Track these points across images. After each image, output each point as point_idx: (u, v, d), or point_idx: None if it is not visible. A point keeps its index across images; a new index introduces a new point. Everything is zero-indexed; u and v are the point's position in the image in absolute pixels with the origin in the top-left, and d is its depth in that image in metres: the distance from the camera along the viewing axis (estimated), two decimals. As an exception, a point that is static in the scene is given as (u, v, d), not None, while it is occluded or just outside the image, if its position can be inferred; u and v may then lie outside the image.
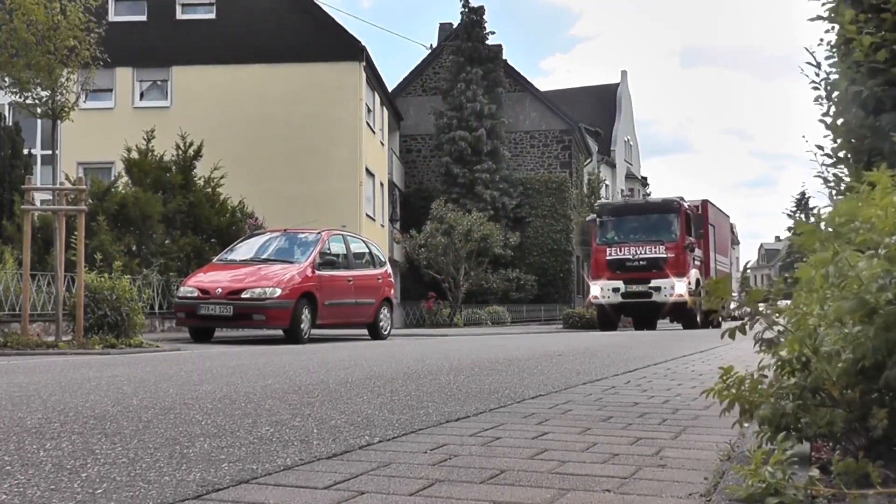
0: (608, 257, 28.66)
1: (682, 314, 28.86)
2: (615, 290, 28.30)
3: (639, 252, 28.26)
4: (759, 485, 2.19)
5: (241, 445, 3.29)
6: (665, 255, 27.95)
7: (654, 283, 27.86)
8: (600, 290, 28.62)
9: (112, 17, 32.72)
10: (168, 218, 22.48)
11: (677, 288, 27.62)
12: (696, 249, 29.86)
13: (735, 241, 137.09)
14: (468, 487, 2.55)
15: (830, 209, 2.75)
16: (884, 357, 2.35)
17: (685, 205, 29.61)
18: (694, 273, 29.02)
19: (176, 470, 2.80)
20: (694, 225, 29.41)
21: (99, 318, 13.54)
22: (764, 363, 2.91)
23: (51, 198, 17.29)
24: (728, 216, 39.97)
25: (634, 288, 28.05)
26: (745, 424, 2.98)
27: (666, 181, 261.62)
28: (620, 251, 28.49)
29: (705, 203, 33.49)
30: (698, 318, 28.54)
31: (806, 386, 2.66)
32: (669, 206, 29.07)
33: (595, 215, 30.33)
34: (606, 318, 29.21)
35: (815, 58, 6.07)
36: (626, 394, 5.31)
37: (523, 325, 39.32)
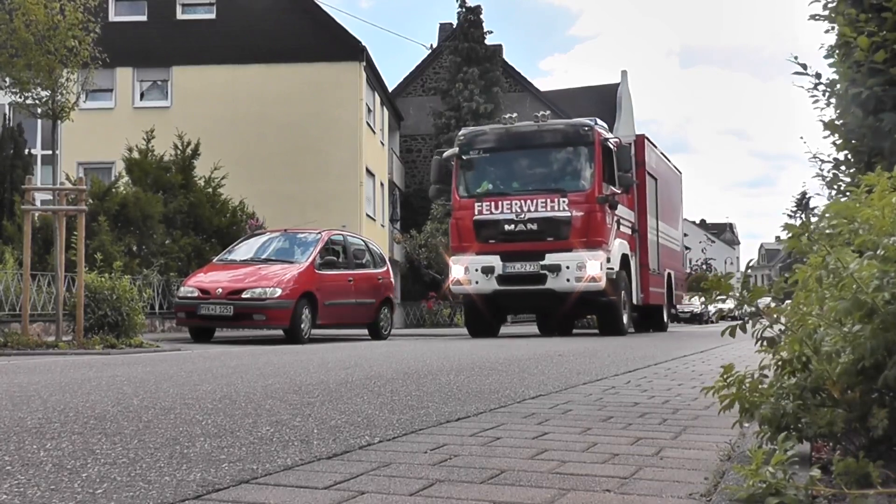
0: (477, 217, 18.45)
1: (599, 310, 19.04)
2: (488, 271, 18.10)
3: (526, 209, 18.11)
4: (760, 485, 2.19)
5: (241, 445, 3.29)
6: (568, 214, 17.86)
7: (550, 259, 17.74)
8: (464, 271, 18.38)
9: (112, 17, 32.79)
10: (168, 218, 22.52)
11: (589, 267, 17.59)
12: (621, 206, 19.52)
13: (735, 241, 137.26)
14: (468, 487, 2.55)
15: (821, 211, 2.76)
16: (883, 357, 2.35)
17: (603, 133, 18.94)
18: (618, 245, 18.92)
19: (176, 470, 2.80)
20: (619, 167, 18.64)
21: (99, 318, 13.56)
22: (764, 363, 2.91)
23: (51, 198, 17.32)
24: (680, 173, 28.53)
25: (518, 268, 18.03)
26: (746, 424, 2.98)
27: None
28: (497, 208, 18.31)
29: (641, 139, 22.30)
30: (625, 317, 19.00)
31: (806, 386, 2.67)
32: (576, 135, 18.54)
33: (456, 149, 19.36)
34: (477, 317, 19.39)
35: (799, 64, 6.06)
36: (627, 394, 5.31)
37: (524, 325, 39.31)
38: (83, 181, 16.27)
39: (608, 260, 18.01)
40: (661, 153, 25.45)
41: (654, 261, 22.63)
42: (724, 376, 2.88)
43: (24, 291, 13.41)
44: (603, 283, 17.64)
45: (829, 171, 6.47)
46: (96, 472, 2.77)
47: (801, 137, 6.53)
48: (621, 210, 19.48)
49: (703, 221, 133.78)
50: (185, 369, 7.73)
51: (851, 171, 6.23)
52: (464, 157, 19.13)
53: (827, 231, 2.60)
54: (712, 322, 47.90)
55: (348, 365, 8.11)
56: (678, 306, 60.14)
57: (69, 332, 13.34)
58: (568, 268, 17.67)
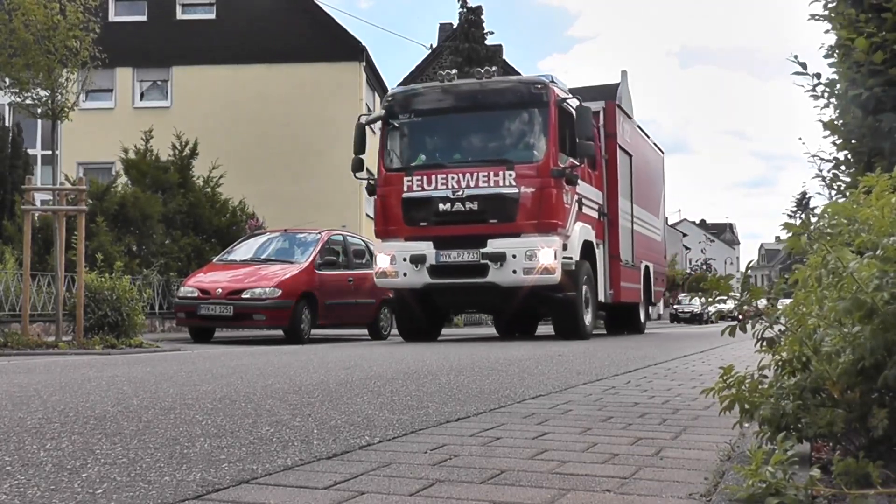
0: (406, 194, 15.43)
1: (554, 308, 15.86)
2: (418, 260, 15.12)
3: (465, 184, 15.08)
4: (760, 485, 2.19)
5: (241, 445, 3.29)
6: (515, 190, 14.93)
7: (493, 245, 14.76)
8: (390, 260, 15.45)
9: (112, 17, 32.81)
10: (168, 218, 22.54)
11: (541, 256, 14.64)
12: (584, 184, 16.47)
13: (735, 241, 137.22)
14: (468, 487, 2.55)
15: (820, 211, 2.77)
16: (883, 357, 2.35)
17: (559, 92, 15.85)
18: (580, 229, 15.93)
19: (176, 470, 2.80)
20: (578, 133, 15.36)
21: (99, 318, 13.56)
22: (764, 363, 2.92)
23: (51, 198, 17.34)
24: (662, 153, 25.59)
25: (455, 257, 15.05)
26: (746, 424, 2.98)
27: (667, 182, 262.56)
28: (429, 183, 15.28)
29: (612, 106, 19.05)
30: (588, 317, 15.93)
31: (806, 386, 2.67)
32: (527, 94, 15.60)
33: (382, 112, 16.53)
34: (408, 316, 16.44)
35: (799, 63, 6.05)
36: (627, 394, 5.31)
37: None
38: (83, 181, 16.28)
39: (565, 247, 15.10)
40: (639, 127, 22.32)
41: (627, 251, 19.51)
42: (724, 377, 2.89)
43: (25, 291, 13.42)
44: (558, 276, 14.67)
45: (829, 171, 6.47)
46: (96, 472, 2.77)
47: (800, 138, 6.53)
48: (584, 188, 16.46)
49: (703, 221, 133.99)
50: (185, 369, 7.73)
51: (851, 171, 6.23)
52: (392, 122, 16.22)
53: (826, 231, 2.60)
54: (712, 322, 47.83)
55: (348, 365, 8.11)
56: (677, 307, 60.30)
57: (69, 332, 13.35)
58: (514, 256, 14.69)
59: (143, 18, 34.99)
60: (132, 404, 4.73)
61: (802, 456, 2.72)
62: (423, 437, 3.53)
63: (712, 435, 3.59)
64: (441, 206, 15.14)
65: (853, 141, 6.10)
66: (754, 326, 2.87)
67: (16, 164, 22.44)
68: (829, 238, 2.57)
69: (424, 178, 15.32)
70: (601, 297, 17.30)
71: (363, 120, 16.62)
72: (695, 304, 54.14)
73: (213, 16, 34.94)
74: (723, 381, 2.89)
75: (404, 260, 15.22)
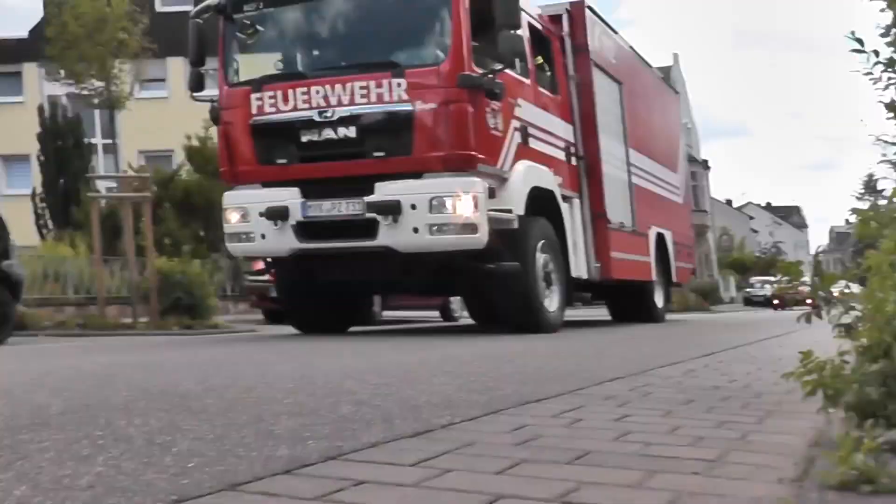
0: (256, 119, 10.89)
1: (495, 285, 10.73)
2: (277, 215, 10.66)
3: (335, 101, 10.39)
4: (851, 472, 2.15)
5: (324, 424, 3.32)
6: (408, 108, 10.14)
7: (383, 191, 10.15)
8: (240, 217, 11.16)
9: (159, 8, 33.11)
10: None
11: (456, 205, 9.86)
12: (528, 104, 11.44)
13: (803, 224, 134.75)
14: (554, 467, 2.54)
15: (889, 194, 2.72)
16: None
17: None
18: (525, 170, 11.01)
19: (263, 446, 2.83)
20: (500, 20, 9.95)
21: (174, 300, 13.79)
22: (844, 348, 2.87)
23: (115, 185, 17.70)
24: (677, 93, 21.29)
25: (328, 209, 10.50)
26: (830, 410, 2.94)
27: (728, 165, 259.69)
28: (286, 102, 10.67)
29: (580, 7, 13.35)
30: (552, 299, 11.25)
31: (890, 373, 2.62)
32: None
33: (222, 3, 11.54)
34: (298, 297, 12.23)
35: (857, 41, 5.89)
36: (706, 377, 5.26)
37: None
38: (146, 168, 16.59)
39: (492, 193, 10.28)
40: (634, 50, 16.69)
41: (623, 210, 14.30)
42: (804, 362, 2.84)
43: (98, 276, 13.71)
44: (483, 236, 9.97)
45: (894, 154, 6.33)
46: (186, 447, 2.82)
47: (861, 120, 6.39)
48: (531, 112, 11.55)
49: (768, 204, 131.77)
50: (261, 349, 7.84)
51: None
52: (234, 17, 11.59)
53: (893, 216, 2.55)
54: (788, 307, 47.04)
55: (422, 346, 8.15)
56: (750, 290, 59.36)
57: (145, 314, 13.61)
58: (414, 207, 9.97)
59: (190, 8, 35.29)
60: (214, 383, 4.81)
61: (893, 443, 2.67)
62: (504, 417, 3.52)
63: (797, 420, 3.53)
64: (305, 136, 10.54)
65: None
66: (829, 312, 2.83)
67: (77, 154, 22.87)
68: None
69: (279, 93, 10.71)
70: (579, 272, 12.48)
71: (197, 16, 11.89)
72: (767, 288, 53.44)
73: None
74: (803, 365, 2.85)
75: (260, 215, 10.78)
